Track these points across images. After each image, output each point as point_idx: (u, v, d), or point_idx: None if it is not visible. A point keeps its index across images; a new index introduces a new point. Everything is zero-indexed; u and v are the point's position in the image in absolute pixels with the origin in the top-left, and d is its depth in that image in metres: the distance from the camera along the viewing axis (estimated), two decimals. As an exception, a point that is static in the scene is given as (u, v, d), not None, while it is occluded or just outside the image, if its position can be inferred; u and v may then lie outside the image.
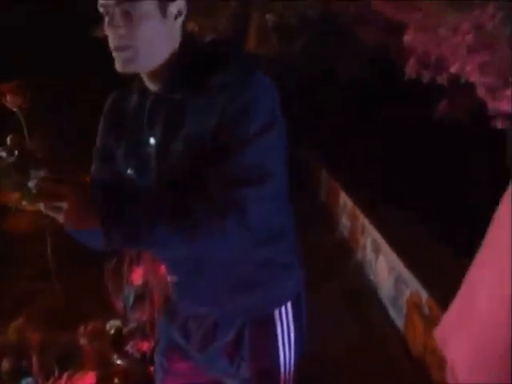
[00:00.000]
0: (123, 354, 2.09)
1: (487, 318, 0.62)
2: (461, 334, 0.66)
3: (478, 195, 3.71)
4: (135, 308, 2.11)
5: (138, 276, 2.15)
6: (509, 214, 0.62)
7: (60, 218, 1.07)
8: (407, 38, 3.24)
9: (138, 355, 2.06)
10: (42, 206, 1.07)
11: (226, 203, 1.12)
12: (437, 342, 0.72)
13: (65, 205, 1.05)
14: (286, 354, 1.41)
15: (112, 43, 1.18)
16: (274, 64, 4.43)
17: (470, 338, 0.63)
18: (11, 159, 1.09)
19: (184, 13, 1.21)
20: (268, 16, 3.92)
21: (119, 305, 2.11)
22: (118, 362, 2.11)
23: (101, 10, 1.19)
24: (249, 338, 1.40)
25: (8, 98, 1.20)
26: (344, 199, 4.73)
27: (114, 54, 1.19)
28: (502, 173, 1.39)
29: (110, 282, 2.13)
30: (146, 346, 2.07)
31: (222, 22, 3.88)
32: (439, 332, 0.72)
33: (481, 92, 3.61)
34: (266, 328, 1.40)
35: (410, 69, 3.29)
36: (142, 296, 2.13)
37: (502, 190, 0.80)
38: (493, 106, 3.35)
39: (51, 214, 1.07)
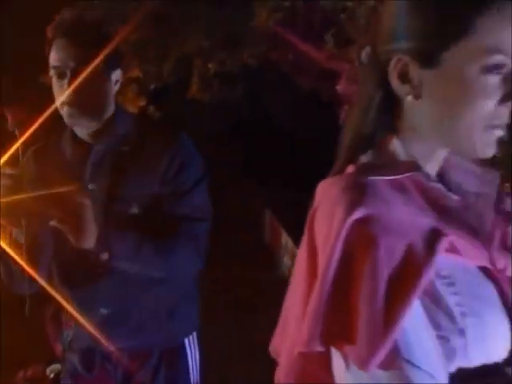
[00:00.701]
0: (63, 397, 2.09)
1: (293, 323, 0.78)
2: (284, 341, 0.81)
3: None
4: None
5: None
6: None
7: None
8: (340, 87, 3.50)
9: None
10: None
11: (183, 234, 1.39)
12: (272, 354, 0.83)
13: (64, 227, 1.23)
14: (195, 379, 1.55)
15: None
16: (216, 109, 4.62)
17: (286, 343, 0.78)
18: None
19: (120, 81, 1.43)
20: (210, 65, 4.11)
21: (58, 347, 2.12)
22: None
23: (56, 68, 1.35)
24: (165, 368, 1.51)
25: (11, 119, 1.31)
26: (286, 239, 4.89)
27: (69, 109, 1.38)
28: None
29: (49, 326, 2.15)
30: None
31: (166, 70, 4.03)
32: (272, 344, 0.83)
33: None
34: (179, 357, 1.53)
35: (344, 115, 3.54)
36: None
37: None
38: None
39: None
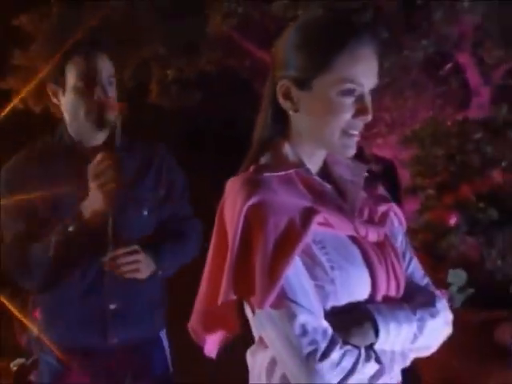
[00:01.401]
0: (27, 386, 2.17)
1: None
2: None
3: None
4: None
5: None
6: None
7: None
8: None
9: None
10: None
11: (191, 232, 1.67)
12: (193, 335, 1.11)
13: None
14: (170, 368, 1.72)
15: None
16: (175, 115, 4.74)
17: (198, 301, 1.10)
18: None
19: None
20: (168, 71, 4.22)
21: (24, 340, 2.20)
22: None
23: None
24: (146, 358, 1.64)
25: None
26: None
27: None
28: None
29: (14, 320, 2.23)
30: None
31: (125, 75, 4.11)
32: (190, 326, 1.10)
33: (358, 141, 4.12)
34: (158, 347, 1.67)
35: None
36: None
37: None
38: (368, 152, 3.84)
39: None
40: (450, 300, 1.90)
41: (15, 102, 3.96)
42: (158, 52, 4.01)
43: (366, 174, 1.11)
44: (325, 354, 0.92)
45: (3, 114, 3.41)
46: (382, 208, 1.11)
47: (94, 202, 1.43)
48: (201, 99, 4.41)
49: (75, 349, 1.59)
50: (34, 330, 2.17)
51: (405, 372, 1.11)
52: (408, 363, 1.05)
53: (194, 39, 4.03)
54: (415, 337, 1.02)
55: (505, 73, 3.73)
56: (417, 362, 2.27)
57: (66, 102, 1.58)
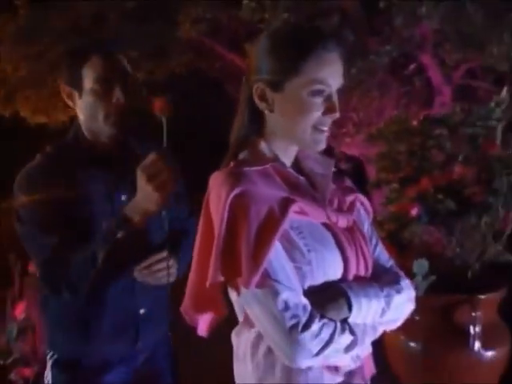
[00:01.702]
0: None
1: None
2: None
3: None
4: (19, 340, 2.25)
5: (20, 311, 2.31)
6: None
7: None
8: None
9: (21, 382, 2.21)
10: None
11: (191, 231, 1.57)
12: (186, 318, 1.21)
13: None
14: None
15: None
16: (145, 117, 4.77)
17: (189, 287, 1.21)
18: None
19: None
20: (139, 74, 4.26)
21: (2, 339, 2.24)
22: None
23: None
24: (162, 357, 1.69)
25: (158, 107, 1.42)
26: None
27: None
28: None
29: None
30: (28, 372, 2.23)
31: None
32: (182, 309, 1.21)
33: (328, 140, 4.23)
34: (169, 347, 1.73)
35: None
36: (24, 329, 2.29)
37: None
38: (338, 150, 3.98)
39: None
40: (416, 289, 2.01)
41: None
42: (129, 56, 4.05)
43: (334, 168, 1.22)
44: (306, 326, 1.03)
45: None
46: (349, 198, 1.22)
47: (147, 203, 1.37)
48: (171, 100, 4.45)
49: (106, 353, 1.56)
50: (14, 329, 2.18)
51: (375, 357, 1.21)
52: (377, 335, 1.16)
53: (164, 43, 4.09)
54: (383, 311, 1.13)
55: (464, 73, 3.91)
56: (383, 350, 2.38)
57: (84, 105, 1.54)
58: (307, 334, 1.02)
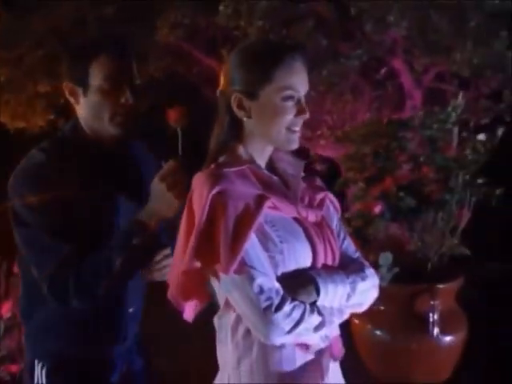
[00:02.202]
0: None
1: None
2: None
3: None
4: (5, 338, 2.35)
5: (6, 309, 2.39)
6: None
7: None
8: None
9: (8, 378, 2.30)
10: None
11: None
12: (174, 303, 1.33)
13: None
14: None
15: None
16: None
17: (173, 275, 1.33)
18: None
19: None
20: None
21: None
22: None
23: None
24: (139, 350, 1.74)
25: (173, 117, 1.39)
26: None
27: None
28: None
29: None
30: (15, 369, 2.32)
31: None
32: (169, 295, 1.33)
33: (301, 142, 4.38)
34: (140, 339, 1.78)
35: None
36: (11, 327, 2.38)
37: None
38: (313, 152, 4.12)
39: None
40: (381, 279, 2.17)
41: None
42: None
43: (303, 168, 1.37)
44: (278, 307, 1.17)
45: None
46: (319, 196, 1.36)
47: (167, 210, 1.40)
48: (150, 104, 4.56)
49: (103, 352, 1.58)
50: (1, 327, 2.22)
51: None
52: (345, 318, 1.30)
53: (143, 48, 4.18)
54: (349, 296, 1.27)
55: (433, 77, 4.07)
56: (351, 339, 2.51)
57: (88, 103, 1.48)
58: (280, 314, 1.16)
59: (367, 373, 2.57)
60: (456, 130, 2.23)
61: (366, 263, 1.38)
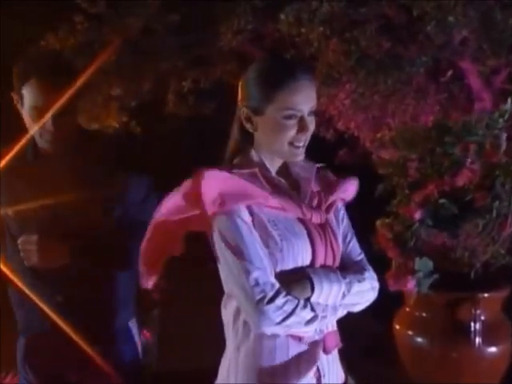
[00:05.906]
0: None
1: None
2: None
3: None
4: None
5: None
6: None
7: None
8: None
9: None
10: None
11: None
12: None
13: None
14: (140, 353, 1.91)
15: None
16: (192, 123, 5.07)
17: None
18: None
19: None
20: (184, 83, 4.54)
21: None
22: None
23: None
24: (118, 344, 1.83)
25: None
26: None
27: None
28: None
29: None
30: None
31: (144, 87, 4.44)
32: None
33: (365, 143, 4.37)
34: (128, 336, 1.88)
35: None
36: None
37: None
38: (376, 153, 4.09)
39: None
40: (418, 285, 2.16)
41: None
42: (175, 65, 4.32)
43: (316, 170, 1.45)
44: (271, 300, 1.26)
45: None
46: (331, 198, 1.44)
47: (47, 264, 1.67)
48: (215, 107, 4.73)
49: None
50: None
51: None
52: (339, 315, 1.37)
53: (209, 52, 4.34)
54: (344, 295, 1.35)
55: (505, 78, 3.92)
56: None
57: (24, 117, 1.64)
58: (272, 306, 1.26)
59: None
60: (504, 135, 2.17)
61: (368, 266, 1.44)
